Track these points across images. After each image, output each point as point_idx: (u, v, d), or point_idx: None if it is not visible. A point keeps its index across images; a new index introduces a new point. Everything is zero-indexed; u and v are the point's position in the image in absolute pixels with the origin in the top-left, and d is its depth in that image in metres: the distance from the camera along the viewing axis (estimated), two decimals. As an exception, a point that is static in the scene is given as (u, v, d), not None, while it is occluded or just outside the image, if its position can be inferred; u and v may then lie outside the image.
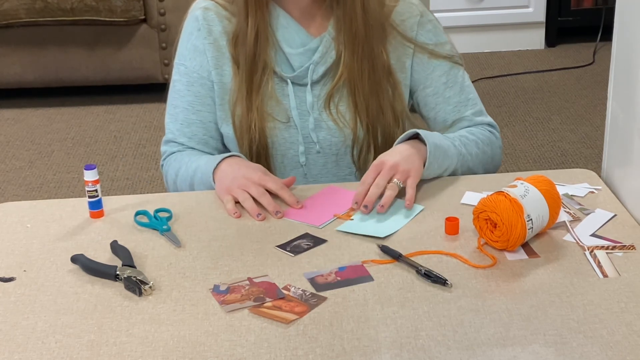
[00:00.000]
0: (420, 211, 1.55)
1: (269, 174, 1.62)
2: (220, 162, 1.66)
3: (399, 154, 1.60)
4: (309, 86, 1.72)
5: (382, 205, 1.53)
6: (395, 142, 1.66)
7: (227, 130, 1.76)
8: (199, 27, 1.74)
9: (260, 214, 1.54)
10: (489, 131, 1.79)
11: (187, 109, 1.77)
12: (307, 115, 1.73)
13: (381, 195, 1.55)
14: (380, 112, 1.72)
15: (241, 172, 1.61)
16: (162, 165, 1.82)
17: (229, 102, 1.74)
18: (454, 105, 1.77)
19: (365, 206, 1.53)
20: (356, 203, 1.55)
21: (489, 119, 1.81)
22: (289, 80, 1.72)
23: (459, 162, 1.69)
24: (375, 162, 1.60)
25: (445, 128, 1.78)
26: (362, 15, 1.68)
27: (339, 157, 1.75)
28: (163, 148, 1.82)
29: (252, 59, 1.70)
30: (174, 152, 1.79)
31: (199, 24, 1.74)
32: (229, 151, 1.77)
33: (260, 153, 1.73)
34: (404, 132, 1.70)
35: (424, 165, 1.61)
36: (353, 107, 1.72)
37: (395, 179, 1.56)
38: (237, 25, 1.72)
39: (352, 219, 1.53)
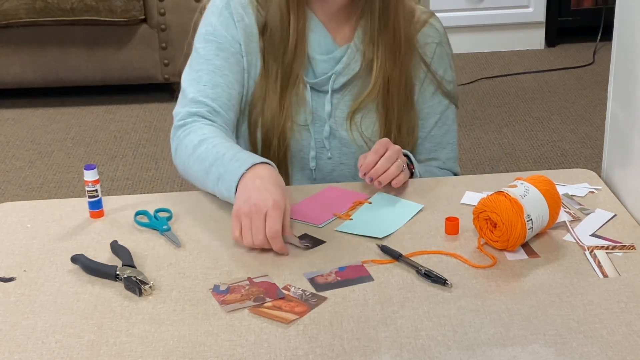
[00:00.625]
0: (420, 210, 1.55)
1: (279, 209, 1.41)
2: (247, 170, 1.48)
3: None
4: (329, 95, 1.71)
5: (381, 182, 1.57)
6: None
7: (242, 122, 1.73)
8: (233, 7, 1.68)
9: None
10: None
11: (214, 72, 1.66)
12: (323, 122, 1.72)
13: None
14: (399, 128, 1.73)
15: (254, 196, 1.43)
16: (177, 128, 1.64)
17: (252, 96, 1.71)
18: (434, 144, 1.79)
19: (371, 179, 1.56)
20: (365, 174, 1.57)
21: (457, 169, 1.84)
22: (308, 85, 1.71)
23: None
24: (383, 139, 1.61)
25: (417, 161, 1.79)
26: (391, 22, 1.67)
27: (350, 168, 1.75)
28: (179, 109, 1.66)
29: (292, 60, 1.67)
30: (193, 116, 1.63)
31: (230, 5, 1.68)
32: (244, 144, 1.74)
33: (279, 153, 1.71)
34: (413, 150, 1.75)
35: None
36: (383, 122, 1.71)
37: (399, 160, 1.59)
38: (269, 20, 1.68)
39: (352, 219, 1.53)
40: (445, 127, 1.79)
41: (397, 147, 1.60)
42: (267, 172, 1.47)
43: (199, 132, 1.60)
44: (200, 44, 1.69)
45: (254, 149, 1.72)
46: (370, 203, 1.58)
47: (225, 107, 1.65)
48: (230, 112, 1.67)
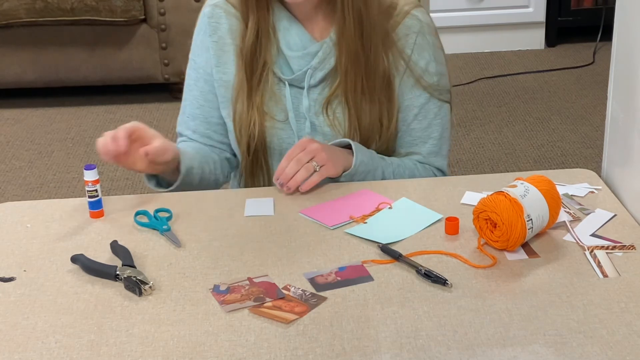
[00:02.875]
0: (437, 221, 1.51)
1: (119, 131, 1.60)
2: None
3: (327, 146, 1.66)
4: (305, 90, 1.72)
5: (289, 187, 1.61)
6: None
7: (230, 128, 1.78)
8: (205, 24, 1.77)
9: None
10: (434, 173, 1.79)
11: (193, 103, 1.82)
12: (303, 118, 1.73)
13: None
14: (375, 120, 1.71)
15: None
16: None
17: (231, 99, 1.75)
18: (414, 138, 1.77)
19: (281, 183, 1.62)
20: (277, 179, 1.62)
21: (440, 163, 1.80)
22: (286, 82, 1.72)
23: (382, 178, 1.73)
24: (303, 139, 1.65)
25: (397, 154, 1.78)
26: (360, 20, 1.66)
27: None
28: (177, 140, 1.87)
29: (252, 56, 1.71)
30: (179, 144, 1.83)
31: (205, 21, 1.77)
32: (233, 144, 1.81)
33: (258, 150, 1.75)
34: (394, 140, 1.76)
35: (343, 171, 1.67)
36: (347, 114, 1.71)
37: (314, 161, 1.61)
38: (242, 24, 1.73)
39: (366, 223, 1.52)
40: (426, 122, 1.76)
41: (316, 145, 1.62)
42: None
43: None
44: (188, 69, 1.84)
45: (247, 155, 1.76)
46: (390, 208, 1.57)
47: (205, 136, 1.82)
48: (212, 138, 1.82)
